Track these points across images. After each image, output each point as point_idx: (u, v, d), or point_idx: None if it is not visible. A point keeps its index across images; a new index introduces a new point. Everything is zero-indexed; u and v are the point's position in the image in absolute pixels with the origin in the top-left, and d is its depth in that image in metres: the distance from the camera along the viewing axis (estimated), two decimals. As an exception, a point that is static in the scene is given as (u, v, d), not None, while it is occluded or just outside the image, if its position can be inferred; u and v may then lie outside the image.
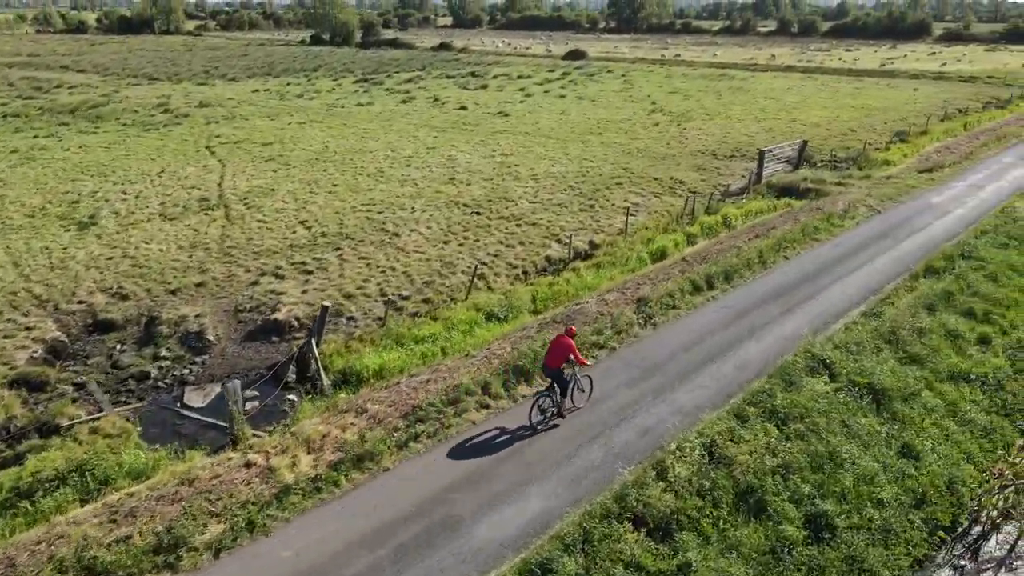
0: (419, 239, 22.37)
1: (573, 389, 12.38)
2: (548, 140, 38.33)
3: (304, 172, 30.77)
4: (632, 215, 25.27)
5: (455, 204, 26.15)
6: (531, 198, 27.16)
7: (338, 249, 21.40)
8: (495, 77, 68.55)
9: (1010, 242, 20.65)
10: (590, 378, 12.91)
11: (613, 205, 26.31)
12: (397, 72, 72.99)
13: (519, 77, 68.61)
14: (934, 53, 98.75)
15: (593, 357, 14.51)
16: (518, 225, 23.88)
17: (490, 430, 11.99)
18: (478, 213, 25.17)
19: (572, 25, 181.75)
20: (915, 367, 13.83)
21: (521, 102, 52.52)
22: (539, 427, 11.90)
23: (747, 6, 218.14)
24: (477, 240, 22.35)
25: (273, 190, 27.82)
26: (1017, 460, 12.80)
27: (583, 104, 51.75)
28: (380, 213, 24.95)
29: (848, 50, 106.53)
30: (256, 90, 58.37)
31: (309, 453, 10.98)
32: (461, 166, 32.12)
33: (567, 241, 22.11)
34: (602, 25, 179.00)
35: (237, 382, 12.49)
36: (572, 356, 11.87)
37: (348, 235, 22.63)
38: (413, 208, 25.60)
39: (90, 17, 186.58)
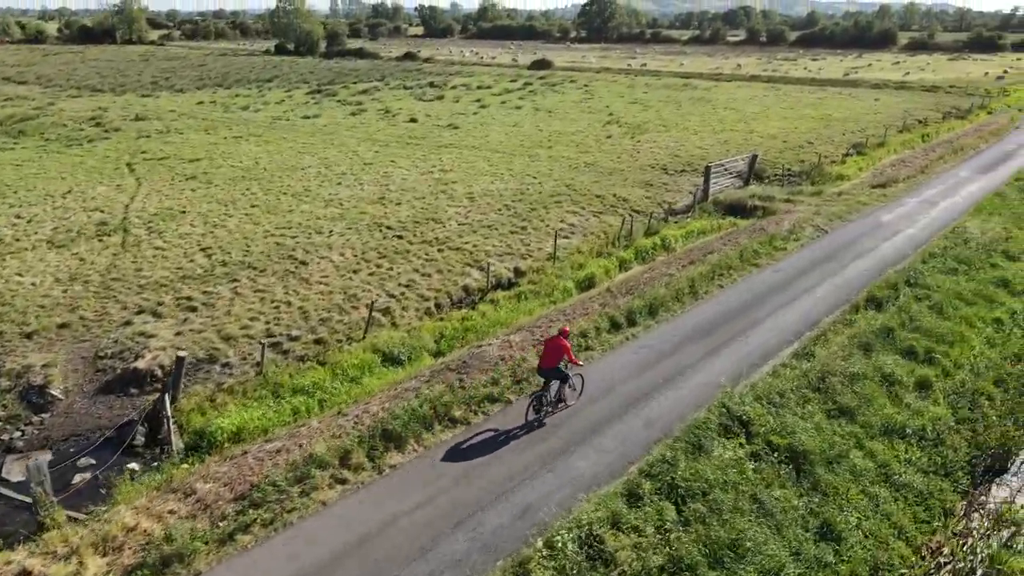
0: (328, 268, 20.45)
1: (565, 387, 12.78)
2: (494, 154, 36.65)
3: (225, 191, 28.71)
4: (566, 238, 23.62)
5: (378, 226, 24.29)
6: (462, 219, 25.39)
7: (235, 281, 19.40)
8: (453, 88, 66.90)
9: (959, 267, 19.26)
10: (582, 376, 13.17)
11: (547, 226, 24.62)
12: (354, 83, 71.06)
13: (478, 88, 67.03)
14: (898, 63, 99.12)
15: (483, 413, 12.73)
16: (440, 250, 22.07)
17: (341, 512, 10.12)
18: (400, 236, 23.33)
19: (543, 34, 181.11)
20: (844, 420, 12.22)
21: (475, 114, 50.88)
22: (536, 424, 12.31)
23: (718, 16, 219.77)
24: (391, 268, 20.49)
25: (184, 212, 25.74)
26: (958, 529, 11.27)
27: (539, 116, 50.23)
28: (294, 238, 23.01)
29: (814, 59, 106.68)
30: (201, 102, 56.04)
31: (104, 555, 9.01)
32: (395, 184, 30.28)
33: (489, 268, 20.37)
34: (573, 35, 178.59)
35: (44, 459, 10.51)
36: (566, 356, 12.25)
37: (251, 264, 20.63)
38: (331, 231, 23.69)
39: (51, 27, 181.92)
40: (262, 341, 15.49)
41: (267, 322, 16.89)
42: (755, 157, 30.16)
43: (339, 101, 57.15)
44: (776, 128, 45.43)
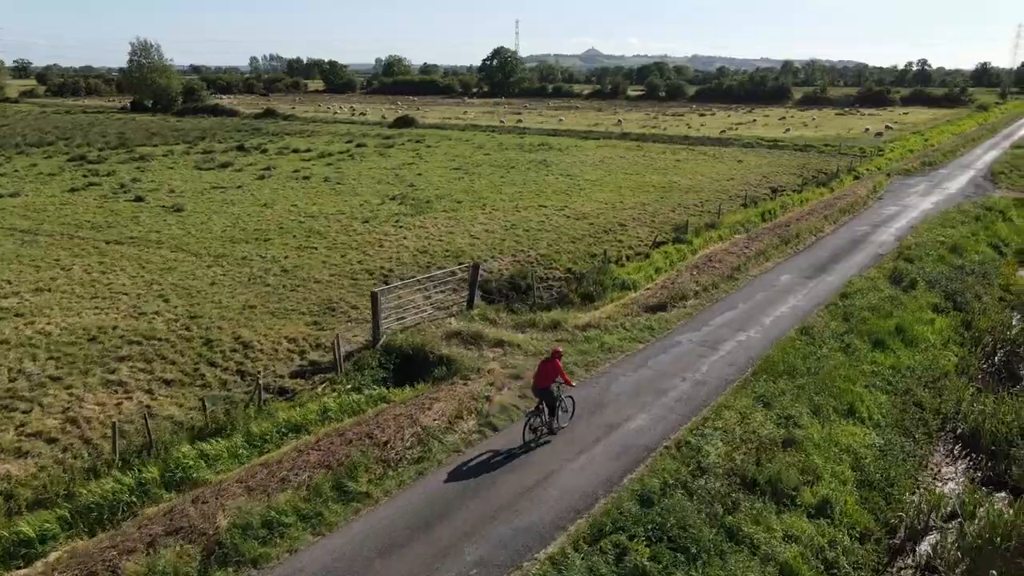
0: None
1: (557, 413, 13.15)
2: (170, 255, 25.99)
3: None
4: (22, 457, 12.84)
5: None
6: (-100, 409, 14.37)
7: None
8: (264, 152, 56.52)
9: (649, 566, 9.26)
10: (572, 399, 13.70)
11: (20, 429, 13.79)
12: (153, 146, 59.97)
13: (294, 151, 56.85)
14: (784, 118, 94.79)
15: None
16: None
17: None
18: None
19: (445, 90, 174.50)
20: None
21: (238, 187, 40.36)
22: (532, 444, 12.80)
23: (631, 72, 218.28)
24: None
25: None
26: None
27: (319, 188, 40.09)
28: None
29: (702, 114, 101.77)
30: None
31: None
32: (-84, 322, 19.10)
33: None
34: (475, 90, 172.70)
35: None
36: (560, 377, 12.83)
37: None
38: None
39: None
40: None
41: None
42: (476, 268, 20.36)
43: (87, 171, 45.80)
44: (597, 203, 36.53)
